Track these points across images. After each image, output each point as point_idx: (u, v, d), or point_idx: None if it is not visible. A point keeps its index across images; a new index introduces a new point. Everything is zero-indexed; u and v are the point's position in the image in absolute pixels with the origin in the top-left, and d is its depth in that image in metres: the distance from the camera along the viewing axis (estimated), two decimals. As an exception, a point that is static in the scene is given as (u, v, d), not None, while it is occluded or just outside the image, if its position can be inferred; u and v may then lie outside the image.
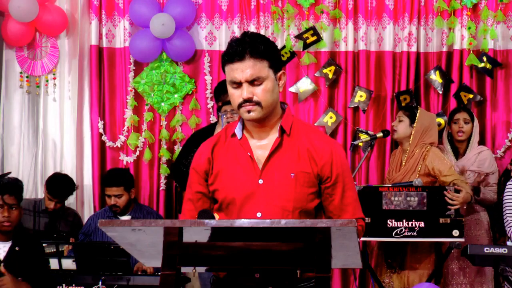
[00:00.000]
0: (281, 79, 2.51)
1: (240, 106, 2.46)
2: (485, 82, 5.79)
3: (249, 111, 2.45)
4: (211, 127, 5.16)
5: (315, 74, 5.85)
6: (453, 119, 5.30)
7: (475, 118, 5.35)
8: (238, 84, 2.44)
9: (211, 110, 5.90)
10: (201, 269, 2.30)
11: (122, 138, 5.92)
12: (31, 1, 5.65)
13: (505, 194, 4.73)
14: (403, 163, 5.00)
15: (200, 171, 2.57)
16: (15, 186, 4.31)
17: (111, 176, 5.16)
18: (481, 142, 5.54)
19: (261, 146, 2.52)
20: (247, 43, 2.42)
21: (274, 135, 2.52)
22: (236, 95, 2.46)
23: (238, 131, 2.55)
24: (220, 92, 5.24)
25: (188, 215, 2.56)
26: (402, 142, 5.07)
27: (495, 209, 5.19)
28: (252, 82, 2.43)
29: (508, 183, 4.75)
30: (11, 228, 4.20)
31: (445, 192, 4.58)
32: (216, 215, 2.44)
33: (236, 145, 2.54)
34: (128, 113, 5.91)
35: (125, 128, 5.92)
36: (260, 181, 2.48)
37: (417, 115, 4.99)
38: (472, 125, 5.28)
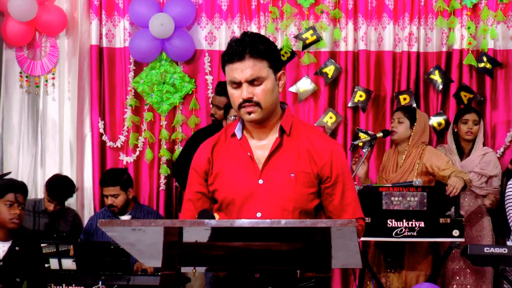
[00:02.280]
0: (281, 79, 2.50)
1: (240, 106, 2.45)
2: (485, 82, 5.79)
3: (249, 113, 2.44)
4: (212, 127, 5.17)
5: (315, 74, 5.85)
6: (462, 119, 5.28)
7: (481, 120, 5.35)
8: (237, 84, 2.44)
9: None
10: (201, 269, 2.30)
11: (122, 138, 5.92)
12: (30, 0, 5.66)
13: (506, 192, 4.73)
14: (400, 164, 5.00)
15: (200, 171, 2.56)
16: (25, 186, 4.38)
17: (107, 176, 5.18)
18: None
19: (261, 146, 2.52)
20: (247, 43, 2.41)
21: (274, 135, 2.52)
22: (236, 96, 2.45)
23: (238, 131, 2.54)
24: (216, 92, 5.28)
25: (188, 215, 2.55)
26: (399, 142, 5.07)
27: (497, 211, 5.19)
28: (252, 82, 2.42)
29: (509, 182, 4.74)
30: (17, 226, 4.23)
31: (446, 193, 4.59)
32: (216, 215, 2.44)
33: (236, 145, 2.53)
34: (128, 113, 5.91)
35: (125, 128, 5.92)
36: (260, 181, 2.47)
37: (417, 116, 5.00)
38: (479, 126, 5.29)
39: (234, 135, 2.55)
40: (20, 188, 4.32)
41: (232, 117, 4.76)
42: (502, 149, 5.73)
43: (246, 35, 2.45)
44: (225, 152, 2.54)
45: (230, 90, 2.47)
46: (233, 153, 2.53)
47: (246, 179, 2.48)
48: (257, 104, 2.44)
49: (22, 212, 4.27)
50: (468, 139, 5.28)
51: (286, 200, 2.46)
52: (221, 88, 5.22)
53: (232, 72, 2.43)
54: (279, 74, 2.49)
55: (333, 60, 5.83)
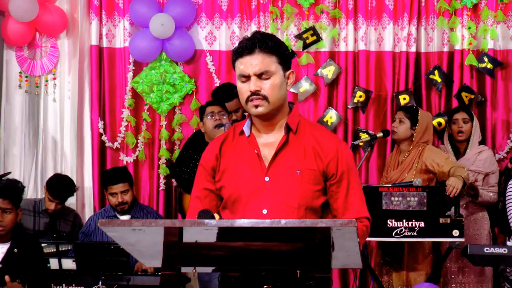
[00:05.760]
0: (289, 78, 2.54)
1: (247, 100, 2.48)
2: (485, 82, 5.79)
3: (256, 106, 2.47)
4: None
5: (315, 74, 5.85)
6: (452, 119, 5.31)
7: (475, 117, 5.35)
8: (246, 78, 2.47)
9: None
10: (201, 270, 2.30)
11: (122, 138, 5.92)
12: (31, 0, 5.65)
13: (507, 192, 4.72)
14: (400, 162, 5.02)
15: (207, 167, 2.58)
16: (10, 189, 4.24)
17: (114, 173, 5.13)
18: (482, 142, 5.54)
19: (268, 144, 2.54)
20: (257, 39, 2.46)
21: (280, 133, 2.54)
22: (244, 89, 2.48)
23: (246, 128, 2.57)
24: (216, 98, 5.26)
25: (195, 214, 2.55)
26: (401, 142, 5.09)
27: (495, 209, 5.19)
28: (260, 76, 2.45)
29: (509, 182, 4.74)
30: (3, 232, 4.16)
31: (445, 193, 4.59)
32: (216, 215, 2.45)
33: (244, 143, 2.56)
34: (126, 113, 5.90)
35: (122, 128, 5.91)
36: (266, 179, 2.49)
37: (419, 116, 5.01)
38: (471, 125, 5.28)
39: (242, 132, 2.57)
40: (2, 193, 4.20)
41: (209, 117, 4.80)
42: (506, 150, 5.71)
43: (257, 32, 2.51)
44: (233, 149, 2.57)
45: (239, 84, 2.50)
46: (240, 151, 2.55)
47: (252, 176, 2.50)
48: (265, 98, 2.46)
49: (9, 217, 4.11)
50: (460, 140, 5.28)
51: (291, 197, 2.47)
52: (221, 96, 5.22)
53: (242, 65, 2.47)
54: (288, 72, 2.53)
55: (333, 61, 5.83)
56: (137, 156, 5.93)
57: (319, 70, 5.82)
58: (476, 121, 5.33)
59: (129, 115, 5.90)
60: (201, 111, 4.98)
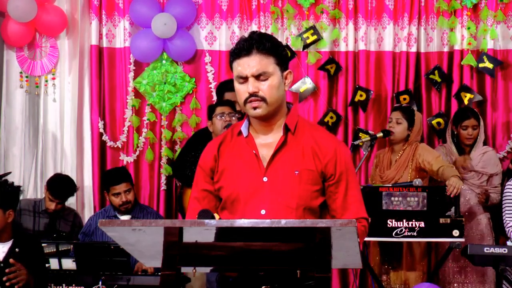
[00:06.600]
0: (287, 78, 2.53)
1: (246, 102, 2.47)
2: (485, 82, 5.79)
3: (255, 108, 2.47)
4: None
5: (318, 69, 5.83)
6: (461, 125, 5.25)
7: (481, 120, 5.34)
8: (244, 79, 2.46)
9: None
10: (205, 269, 2.30)
11: (123, 138, 5.92)
12: (29, 1, 5.65)
13: (504, 194, 4.73)
14: (394, 161, 5.04)
15: (206, 168, 2.58)
16: (3, 194, 4.13)
17: (115, 174, 5.13)
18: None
19: (266, 145, 2.54)
20: (254, 40, 2.45)
21: (279, 133, 2.54)
22: (242, 91, 2.48)
23: (244, 129, 2.56)
24: (222, 90, 5.27)
25: (194, 215, 2.55)
26: (396, 142, 5.11)
27: (497, 210, 5.18)
28: (258, 77, 2.45)
29: (507, 182, 4.74)
30: None
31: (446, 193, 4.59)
32: (216, 215, 2.45)
33: (242, 143, 2.56)
34: (129, 113, 5.91)
35: (125, 128, 5.92)
36: (265, 179, 2.49)
37: (415, 117, 5.05)
38: (478, 129, 5.28)
39: (240, 133, 2.57)
40: None
41: (219, 117, 4.80)
42: (507, 149, 5.71)
43: (254, 33, 2.50)
44: (231, 150, 2.57)
45: (237, 85, 2.50)
46: (238, 151, 2.55)
47: (251, 176, 2.50)
48: (263, 99, 2.46)
49: None
50: (468, 144, 5.29)
51: (290, 198, 2.47)
52: (223, 87, 5.25)
53: (239, 67, 2.46)
54: (285, 73, 2.52)
55: (334, 59, 5.83)
56: (137, 156, 5.93)
57: (322, 65, 5.81)
58: (482, 123, 5.33)
59: (133, 115, 5.90)
60: (210, 111, 4.97)
